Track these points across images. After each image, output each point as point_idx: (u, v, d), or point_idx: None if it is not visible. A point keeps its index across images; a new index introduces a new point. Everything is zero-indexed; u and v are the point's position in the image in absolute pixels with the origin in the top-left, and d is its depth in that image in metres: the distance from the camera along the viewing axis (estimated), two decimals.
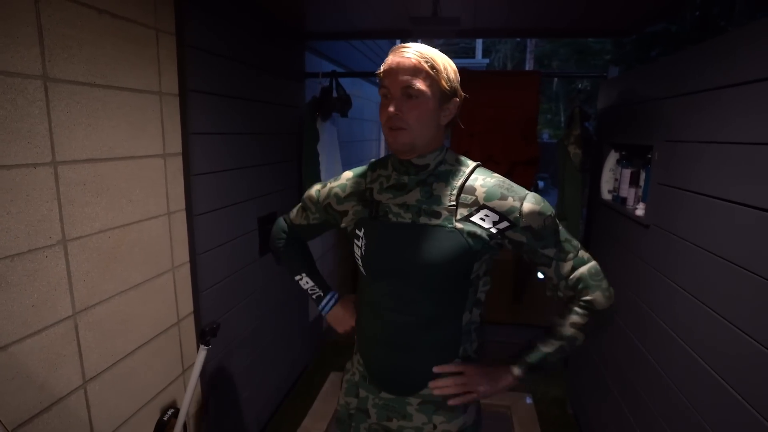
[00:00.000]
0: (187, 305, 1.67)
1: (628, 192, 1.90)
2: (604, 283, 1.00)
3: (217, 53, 1.73)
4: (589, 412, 2.21)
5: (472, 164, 1.00)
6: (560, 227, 0.99)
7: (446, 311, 1.01)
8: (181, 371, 1.65)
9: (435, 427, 1.06)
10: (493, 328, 3.25)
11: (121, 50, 1.29)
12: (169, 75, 1.50)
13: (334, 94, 2.67)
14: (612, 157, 2.10)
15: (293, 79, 2.52)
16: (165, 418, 1.52)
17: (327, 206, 1.13)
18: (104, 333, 1.28)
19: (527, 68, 13.55)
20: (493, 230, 0.94)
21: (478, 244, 0.94)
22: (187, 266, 1.66)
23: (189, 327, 1.69)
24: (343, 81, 2.73)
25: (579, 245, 1.01)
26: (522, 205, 0.93)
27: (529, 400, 2.63)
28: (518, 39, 14.63)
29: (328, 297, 1.26)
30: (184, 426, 1.55)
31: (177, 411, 1.56)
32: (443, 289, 0.98)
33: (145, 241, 1.43)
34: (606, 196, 2.14)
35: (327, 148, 2.68)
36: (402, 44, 0.93)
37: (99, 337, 1.26)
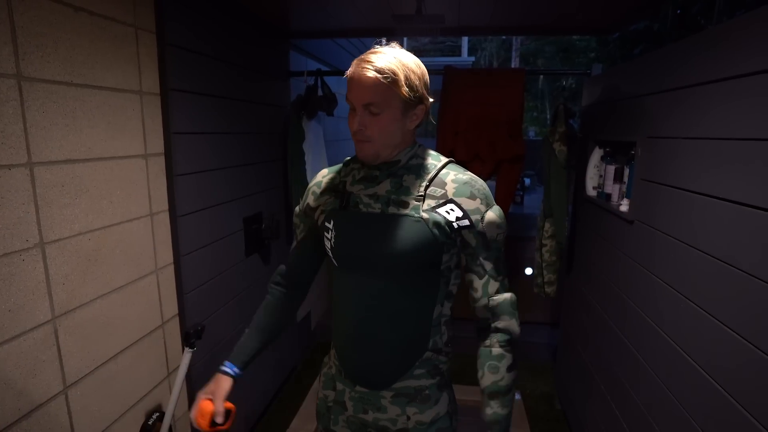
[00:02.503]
0: (171, 307, 1.64)
1: (612, 188, 1.92)
2: (517, 314, 1.03)
3: (199, 52, 1.71)
4: (577, 407, 2.23)
5: (444, 159, 1.03)
6: (502, 252, 1.02)
7: (416, 304, 1.02)
8: (166, 374, 1.62)
9: (408, 418, 1.07)
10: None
11: (99, 49, 1.26)
12: (149, 74, 1.47)
13: (320, 93, 2.65)
14: (596, 154, 2.12)
15: (278, 77, 2.50)
16: (150, 423, 1.50)
17: (306, 208, 1.13)
18: (85, 337, 1.25)
19: (513, 66, 13.65)
20: (454, 225, 0.96)
21: (443, 235, 0.96)
22: (171, 268, 1.64)
23: (174, 329, 1.66)
24: (328, 79, 2.72)
25: (505, 273, 1.04)
26: (486, 211, 0.97)
27: (517, 396, 2.65)
28: (503, 37, 14.73)
29: (224, 366, 1.14)
30: (170, 429, 1.53)
31: (162, 415, 1.54)
32: (412, 281, 1.00)
33: (127, 243, 1.40)
34: (591, 192, 2.16)
35: (313, 147, 2.66)
36: (365, 55, 0.93)
37: (80, 342, 1.23)
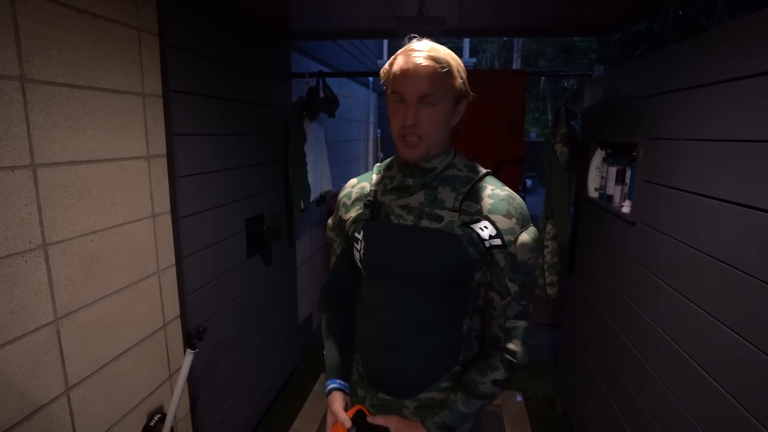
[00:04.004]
0: (173, 309, 1.64)
1: (614, 190, 1.91)
2: (530, 343, 0.98)
3: (202, 53, 1.71)
4: (578, 409, 2.23)
5: (482, 171, 0.98)
6: (532, 275, 0.98)
7: (445, 316, 0.99)
8: (167, 375, 1.62)
9: (429, 431, 1.03)
10: None
11: (102, 50, 1.27)
12: (151, 75, 1.48)
13: (321, 94, 2.66)
14: (598, 155, 2.12)
15: (279, 79, 2.50)
16: (152, 424, 1.50)
17: (339, 221, 1.10)
18: (87, 338, 1.25)
19: (514, 67, 13.64)
20: (487, 244, 0.92)
21: (476, 252, 0.93)
22: (173, 269, 1.64)
23: (175, 331, 1.66)
24: (330, 81, 2.72)
25: (530, 299, 1.00)
26: (521, 233, 0.92)
27: (519, 398, 2.65)
28: (505, 38, 14.72)
29: (331, 384, 1.08)
30: (172, 430, 1.53)
31: (164, 416, 1.54)
32: (442, 294, 0.97)
33: (129, 245, 1.40)
34: (592, 193, 2.16)
35: (314, 149, 2.66)
36: (412, 46, 0.90)
37: (82, 343, 1.24)
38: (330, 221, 1.15)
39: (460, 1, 1.96)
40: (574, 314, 2.41)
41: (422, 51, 0.87)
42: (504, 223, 0.92)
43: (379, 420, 1.01)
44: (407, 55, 0.88)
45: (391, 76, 0.90)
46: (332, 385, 1.07)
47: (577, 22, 2.35)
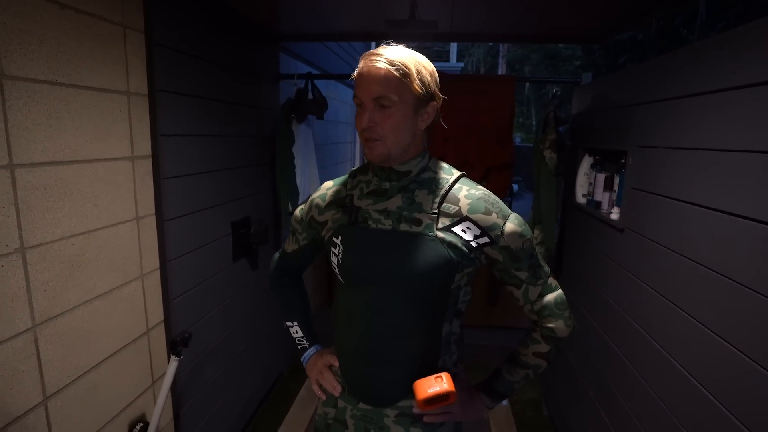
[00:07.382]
0: (156, 314, 1.60)
1: (602, 196, 1.93)
2: (567, 313, 0.99)
3: (189, 53, 1.68)
4: (564, 413, 2.24)
5: (456, 173, 0.98)
6: (536, 251, 0.98)
7: (425, 322, 0.98)
8: (150, 383, 1.57)
9: None
10: (468, 331, 3.27)
11: (86, 47, 1.23)
12: (137, 74, 1.44)
13: (310, 96, 2.63)
14: (586, 162, 2.14)
15: (267, 80, 2.46)
16: None
17: (311, 221, 1.09)
18: (67, 346, 1.21)
19: (500, 72, 13.78)
20: (473, 244, 0.92)
21: (458, 255, 0.92)
22: (157, 273, 1.59)
23: (159, 337, 1.62)
24: (318, 83, 2.69)
25: (549, 271, 1.01)
26: (505, 224, 0.92)
27: (505, 402, 2.65)
28: (491, 43, 14.87)
29: (311, 349, 1.19)
30: None
31: (146, 425, 1.49)
32: (422, 299, 0.96)
33: (111, 248, 1.36)
34: (580, 200, 2.17)
35: (302, 151, 2.63)
36: (374, 50, 0.90)
37: (61, 351, 1.19)
38: (298, 213, 1.14)
39: (452, 6, 1.96)
40: None
41: (380, 55, 0.87)
42: (485, 221, 0.92)
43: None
44: (366, 58, 0.89)
45: (356, 80, 0.91)
46: (312, 351, 1.18)
47: (565, 30, 2.37)
